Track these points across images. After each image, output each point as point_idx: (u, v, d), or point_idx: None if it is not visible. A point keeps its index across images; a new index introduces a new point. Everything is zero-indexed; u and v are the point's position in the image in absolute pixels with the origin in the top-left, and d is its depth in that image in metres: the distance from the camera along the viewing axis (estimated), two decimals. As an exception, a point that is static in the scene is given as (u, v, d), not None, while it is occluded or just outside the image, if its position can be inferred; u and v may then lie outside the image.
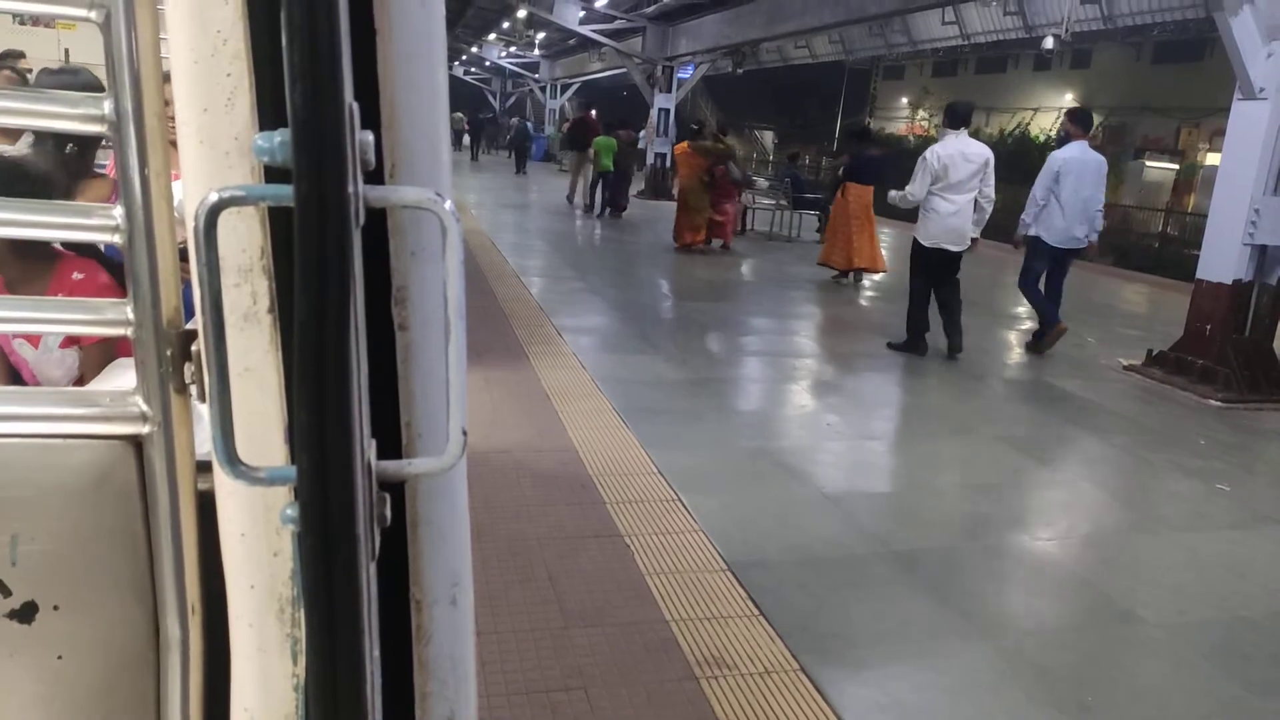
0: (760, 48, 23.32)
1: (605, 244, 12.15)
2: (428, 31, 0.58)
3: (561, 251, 10.77)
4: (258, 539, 0.63)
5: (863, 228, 9.27)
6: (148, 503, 0.75)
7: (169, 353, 0.71)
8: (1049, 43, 13.61)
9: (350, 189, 0.45)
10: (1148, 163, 21.15)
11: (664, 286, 9.27)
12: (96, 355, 1.80)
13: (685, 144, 11.32)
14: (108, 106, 0.68)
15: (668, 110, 21.24)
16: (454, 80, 43.32)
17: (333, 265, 0.45)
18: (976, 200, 6.20)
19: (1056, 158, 6.47)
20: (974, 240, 6.33)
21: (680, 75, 22.22)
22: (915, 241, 6.44)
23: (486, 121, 33.15)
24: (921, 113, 28.08)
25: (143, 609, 0.77)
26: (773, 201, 14.01)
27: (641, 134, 23.95)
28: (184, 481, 0.75)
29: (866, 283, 9.71)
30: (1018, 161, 21.79)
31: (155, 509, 0.75)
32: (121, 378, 0.81)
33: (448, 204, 0.52)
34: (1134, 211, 17.90)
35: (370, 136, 0.49)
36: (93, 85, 2.83)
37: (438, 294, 0.61)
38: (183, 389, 0.72)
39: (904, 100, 29.98)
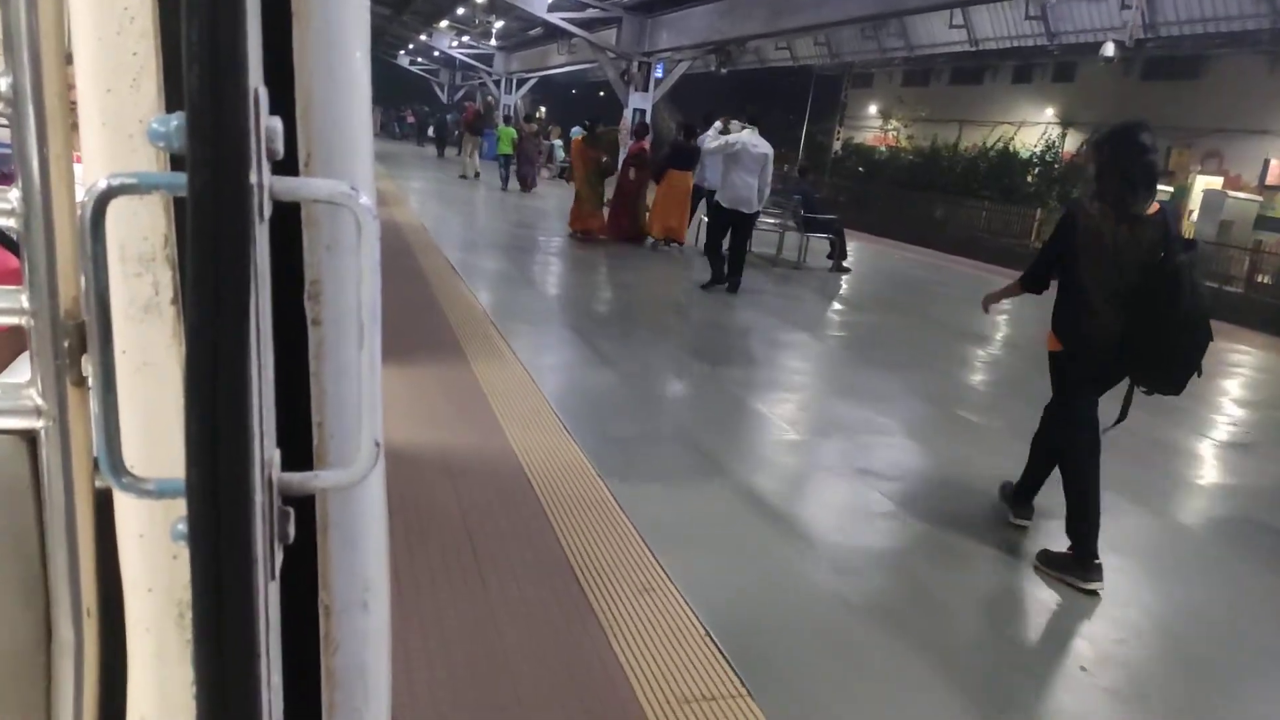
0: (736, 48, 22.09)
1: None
2: (349, 17, 0.56)
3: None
4: (156, 541, 0.61)
5: (682, 205, 10.92)
6: (41, 500, 0.68)
7: (66, 344, 0.65)
8: (1109, 49, 12.64)
9: (252, 179, 0.42)
10: (1135, 184, 20.62)
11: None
12: (4, 346, 1.57)
13: (579, 140, 12.33)
14: (4, 84, 0.61)
15: (643, 110, 19.80)
16: (398, 71, 41.16)
17: (229, 263, 0.41)
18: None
19: None
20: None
21: (657, 74, 20.85)
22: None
23: (429, 114, 37.15)
24: (893, 122, 27.29)
25: (32, 611, 0.70)
26: (777, 222, 11.93)
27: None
28: (80, 479, 0.68)
29: (673, 249, 11.25)
30: (998, 177, 21.08)
31: (49, 507, 0.68)
32: (26, 370, 0.68)
33: (363, 199, 0.49)
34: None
35: (278, 123, 0.46)
36: None
37: (354, 289, 0.58)
38: (80, 382, 0.66)
39: (872, 109, 29.26)
